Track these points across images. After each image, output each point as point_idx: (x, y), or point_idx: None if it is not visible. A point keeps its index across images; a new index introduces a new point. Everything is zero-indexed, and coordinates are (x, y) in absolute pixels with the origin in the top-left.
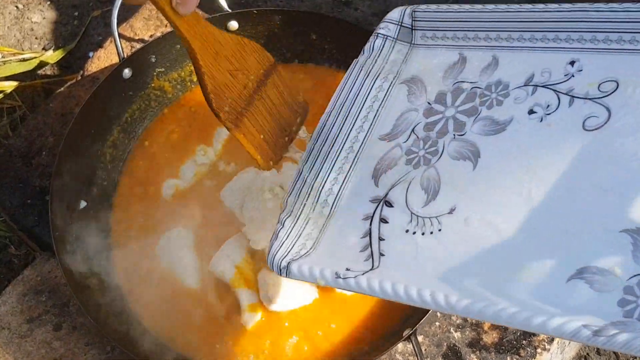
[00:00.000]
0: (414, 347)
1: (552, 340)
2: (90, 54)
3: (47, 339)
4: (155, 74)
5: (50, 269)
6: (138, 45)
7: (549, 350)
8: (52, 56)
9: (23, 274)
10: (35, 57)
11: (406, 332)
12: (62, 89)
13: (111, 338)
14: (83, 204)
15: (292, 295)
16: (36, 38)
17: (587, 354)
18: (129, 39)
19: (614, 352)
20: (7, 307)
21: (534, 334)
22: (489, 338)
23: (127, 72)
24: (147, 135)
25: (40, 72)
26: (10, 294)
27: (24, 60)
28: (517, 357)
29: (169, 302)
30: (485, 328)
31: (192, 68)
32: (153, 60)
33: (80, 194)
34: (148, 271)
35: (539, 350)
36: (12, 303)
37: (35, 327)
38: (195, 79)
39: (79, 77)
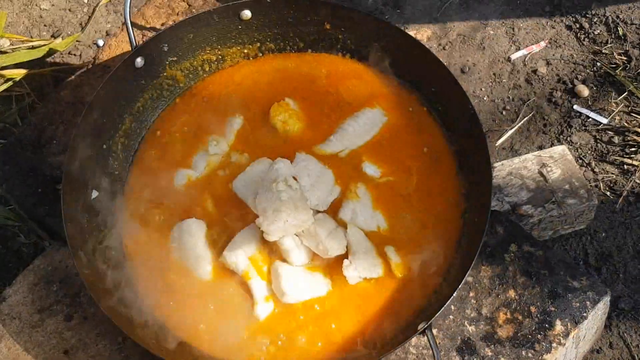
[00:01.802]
0: (428, 341)
1: (568, 334)
2: (100, 42)
3: (58, 329)
4: (167, 62)
5: (61, 259)
6: (150, 34)
7: (564, 344)
8: (61, 44)
9: (34, 264)
10: (44, 45)
11: (421, 326)
12: (72, 77)
13: (123, 329)
14: (95, 193)
15: (305, 287)
16: (45, 25)
17: (600, 347)
18: (141, 27)
19: (626, 345)
20: (18, 297)
21: (550, 329)
22: (504, 332)
23: (139, 61)
24: (159, 124)
25: (49, 59)
26: (21, 283)
27: (33, 47)
28: (532, 351)
29: (181, 293)
30: (500, 322)
31: (205, 57)
32: (165, 49)
33: (91, 183)
34: (160, 262)
35: (554, 344)
36: (23, 293)
37: (46, 317)
38: (207, 68)
39: (90, 66)
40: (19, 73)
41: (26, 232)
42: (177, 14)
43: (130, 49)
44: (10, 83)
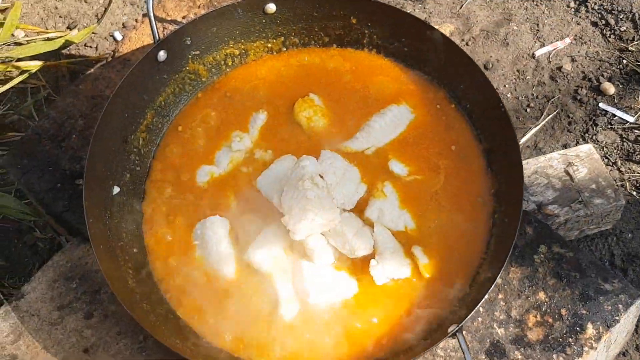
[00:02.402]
0: (459, 344)
1: (600, 338)
2: (117, 34)
3: (78, 327)
4: (190, 56)
5: (80, 255)
6: (171, 27)
7: (595, 348)
8: (77, 36)
9: (53, 260)
10: (60, 37)
11: (451, 328)
12: (91, 70)
13: (144, 327)
14: (116, 189)
15: (330, 288)
16: (60, 17)
17: (627, 350)
18: (161, 20)
19: None
20: (37, 294)
21: (581, 332)
22: (534, 335)
23: (162, 55)
24: (180, 120)
25: (64, 52)
26: (39, 280)
27: (49, 39)
28: (564, 355)
29: (204, 291)
30: (530, 324)
31: (228, 51)
32: (188, 42)
33: (113, 179)
34: (182, 260)
35: (585, 348)
36: (42, 289)
37: (66, 315)
38: (230, 62)
39: (109, 59)
40: (34, 65)
41: (42, 227)
42: (199, 7)
43: (151, 42)
44: (25, 75)
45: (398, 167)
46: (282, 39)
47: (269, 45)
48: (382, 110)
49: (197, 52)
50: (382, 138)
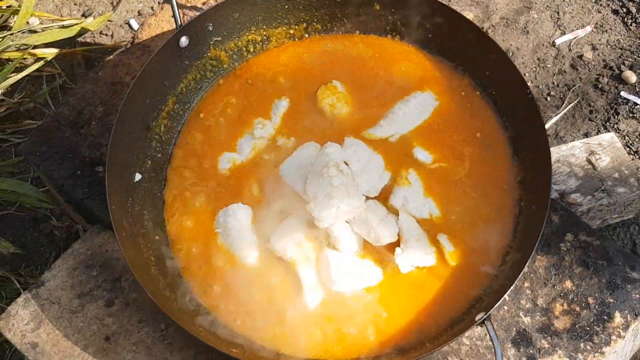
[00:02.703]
0: (488, 332)
1: (628, 327)
2: (132, 21)
3: (99, 315)
4: (211, 42)
5: (100, 243)
6: (191, 13)
7: (623, 337)
8: (93, 23)
9: (73, 248)
10: (75, 24)
11: (479, 317)
12: (111, 57)
13: (168, 314)
14: (138, 176)
15: (355, 276)
16: (75, 4)
17: None
18: (181, 6)
19: None
20: (57, 282)
21: (609, 321)
22: (561, 323)
23: (184, 40)
24: (202, 106)
25: (79, 39)
26: (59, 267)
27: (64, 27)
28: (591, 344)
29: (226, 279)
30: (557, 313)
31: (250, 38)
32: (210, 28)
33: (134, 166)
34: (205, 248)
35: (613, 337)
36: (62, 277)
37: (86, 303)
38: (252, 49)
39: (128, 45)
40: (50, 53)
41: (58, 215)
42: None
43: (170, 29)
44: (41, 63)
45: (423, 155)
46: (305, 25)
47: (291, 31)
48: (406, 97)
49: (219, 38)
50: (406, 125)
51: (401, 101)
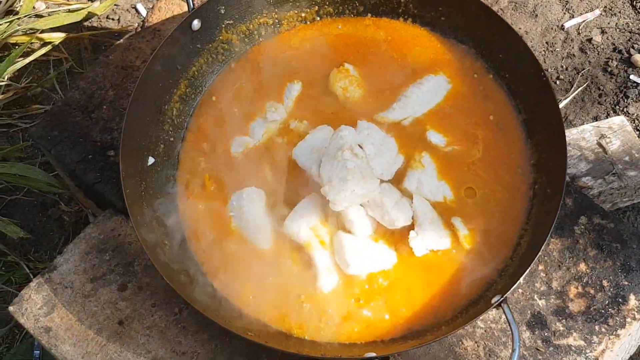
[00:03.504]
0: (505, 314)
1: None
2: (139, 5)
3: (112, 299)
4: (223, 26)
5: (113, 227)
6: None
7: (638, 319)
8: (100, 7)
9: (85, 232)
10: (82, 9)
11: (495, 299)
12: (121, 40)
13: (184, 297)
14: (151, 160)
15: (370, 259)
16: None
17: None
18: None
19: None
20: (70, 266)
21: (624, 303)
22: (575, 306)
23: (196, 24)
24: (214, 90)
25: (86, 24)
26: (72, 252)
27: (71, 11)
28: (606, 326)
29: (240, 263)
30: (571, 296)
31: (261, 21)
32: (222, 11)
33: (147, 150)
34: (218, 231)
35: (628, 319)
36: (75, 261)
37: (100, 287)
38: (263, 32)
39: (139, 29)
40: (57, 37)
41: (67, 200)
42: None
43: (182, 12)
44: (48, 47)
45: (436, 138)
46: (316, 8)
47: (303, 14)
48: (418, 80)
49: (231, 22)
50: (419, 108)
51: (414, 84)
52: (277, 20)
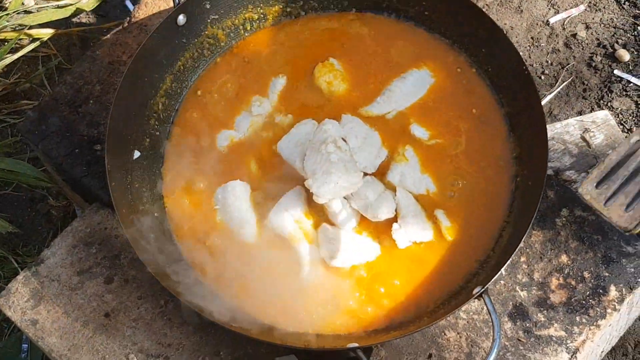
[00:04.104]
0: (486, 306)
1: (622, 300)
2: (127, 1)
3: (99, 292)
4: (209, 21)
5: (99, 221)
6: None
7: (618, 310)
8: (88, 3)
9: (72, 225)
10: (70, 5)
11: (476, 290)
12: (108, 36)
13: (170, 290)
14: (137, 154)
15: (353, 251)
16: None
17: None
18: None
19: None
20: (57, 259)
21: (604, 294)
22: (557, 297)
23: (181, 19)
24: (200, 84)
25: (75, 19)
26: (59, 245)
27: (59, 7)
28: (587, 317)
29: (225, 255)
30: (553, 287)
31: (247, 16)
32: (207, 6)
33: (133, 144)
34: (203, 224)
35: (608, 310)
36: (62, 255)
37: (86, 280)
38: (249, 27)
39: (125, 24)
40: (46, 33)
41: (55, 195)
42: None
43: (168, 8)
44: (37, 43)
45: (419, 131)
46: (301, 2)
47: (288, 9)
48: (402, 74)
49: (216, 17)
50: (402, 102)
51: (397, 79)
52: (262, 15)
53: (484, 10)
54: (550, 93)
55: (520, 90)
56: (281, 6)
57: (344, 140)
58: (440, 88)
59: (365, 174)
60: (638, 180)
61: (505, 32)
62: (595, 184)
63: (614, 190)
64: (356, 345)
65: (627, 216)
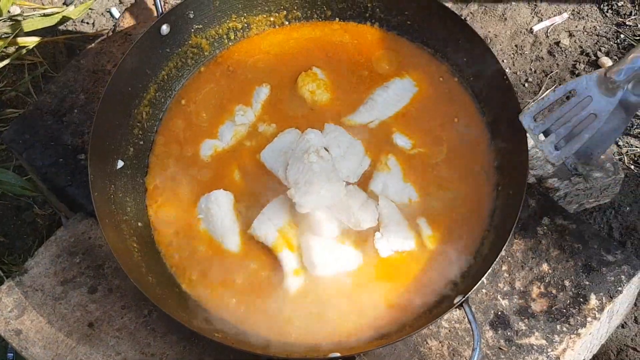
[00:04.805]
0: (466, 315)
1: (603, 309)
2: (113, 10)
3: (82, 302)
4: (192, 30)
5: (83, 230)
6: (172, 1)
7: (599, 319)
8: (74, 11)
9: (56, 235)
10: (57, 13)
11: (458, 299)
12: (92, 45)
13: (152, 299)
14: (120, 163)
15: (336, 260)
16: None
17: (625, 322)
18: None
19: None
20: (40, 269)
21: (585, 303)
22: (538, 306)
23: (165, 28)
24: (183, 94)
25: (61, 28)
26: (42, 255)
27: (45, 15)
28: (567, 325)
29: (209, 265)
30: (534, 296)
31: (231, 25)
32: (191, 16)
33: (117, 153)
34: (187, 233)
35: (589, 319)
36: (46, 264)
37: (70, 289)
38: (233, 36)
39: (110, 34)
40: (32, 41)
41: (41, 204)
42: None
43: (152, 17)
44: (22, 51)
45: (402, 140)
46: (285, 12)
47: (272, 19)
48: (385, 83)
49: (200, 26)
50: (385, 111)
51: (380, 87)
52: (246, 25)
53: (467, 18)
54: (533, 101)
55: (501, 98)
56: (265, 15)
57: (327, 150)
58: (423, 97)
59: (348, 183)
60: (568, 125)
61: (485, 42)
62: (533, 117)
63: (548, 127)
64: (338, 355)
65: (555, 154)
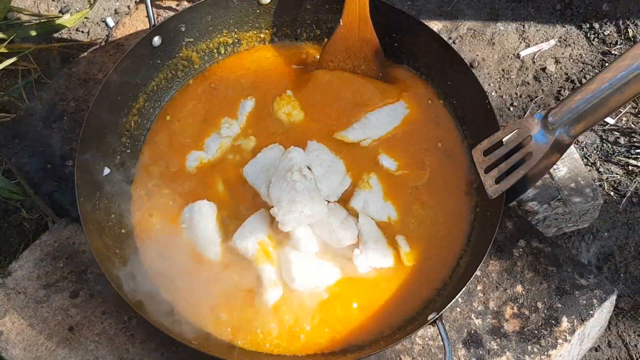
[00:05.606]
0: (439, 332)
1: (574, 331)
2: (109, 20)
3: (64, 306)
4: (184, 43)
5: (68, 236)
6: (165, 13)
7: (569, 341)
8: (70, 20)
9: (40, 239)
10: (52, 20)
11: (431, 317)
12: (85, 54)
13: (132, 306)
14: (106, 170)
15: (314, 275)
16: (53, 0)
17: (599, 345)
18: (156, 6)
19: (624, 344)
20: (24, 272)
21: (556, 325)
22: (510, 326)
23: (157, 40)
24: (171, 105)
25: (56, 35)
26: (27, 258)
27: (41, 22)
28: (538, 346)
29: (189, 274)
30: (507, 316)
31: (221, 40)
32: (183, 29)
33: (104, 160)
34: (169, 242)
35: (559, 340)
36: (29, 268)
37: (52, 293)
38: (223, 51)
39: (103, 43)
40: (26, 47)
41: (28, 207)
42: None
43: (145, 28)
44: (17, 57)
45: (388, 162)
46: (275, 29)
47: (262, 35)
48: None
49: (191, 40)
50: (377, 131)
51: (378, 109)
52: (236, 40)
53: (456, 41)
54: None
55: (483, 123)
56: (255, 32)
57: (309, 169)
58: (412, 120)
59: (328, 202)
60: (509, 161)
61: (469, 65)
62: (482, 152)
63: (494, 163)
64: None
65: (495, 187)
